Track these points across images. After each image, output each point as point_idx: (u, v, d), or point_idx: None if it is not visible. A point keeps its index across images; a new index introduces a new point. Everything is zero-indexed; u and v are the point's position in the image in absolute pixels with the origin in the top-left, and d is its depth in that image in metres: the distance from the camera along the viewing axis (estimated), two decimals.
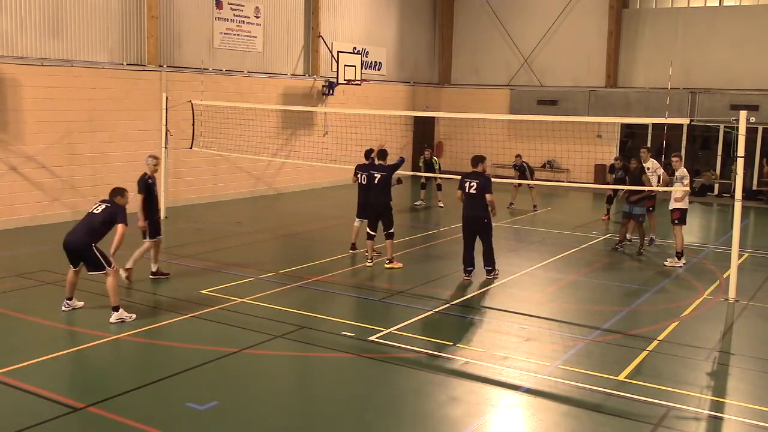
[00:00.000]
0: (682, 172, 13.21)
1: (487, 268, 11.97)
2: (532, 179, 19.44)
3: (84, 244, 9.27)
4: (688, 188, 13.13)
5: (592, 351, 8.78)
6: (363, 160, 13.84)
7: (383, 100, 25.24)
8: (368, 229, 12.80)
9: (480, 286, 11.65)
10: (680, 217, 13.26)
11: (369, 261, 12.73)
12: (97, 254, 9.29)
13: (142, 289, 10.85)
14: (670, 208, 13.40)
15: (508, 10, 27.04)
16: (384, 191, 12.64)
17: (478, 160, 11.94)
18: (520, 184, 18.82)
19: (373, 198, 12.71)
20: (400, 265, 12.57)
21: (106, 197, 9.74)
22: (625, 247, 14.51)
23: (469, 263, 11.92)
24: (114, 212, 9.40)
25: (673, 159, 13.37)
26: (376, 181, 12.60)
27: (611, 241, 15.26)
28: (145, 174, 11.27)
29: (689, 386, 7.70)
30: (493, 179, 12.07)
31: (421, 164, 20.22)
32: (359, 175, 13.13)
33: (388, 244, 12.61)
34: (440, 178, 19.44)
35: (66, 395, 7.11)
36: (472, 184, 11.70)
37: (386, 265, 12.54)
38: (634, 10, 25.40)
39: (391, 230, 12.60)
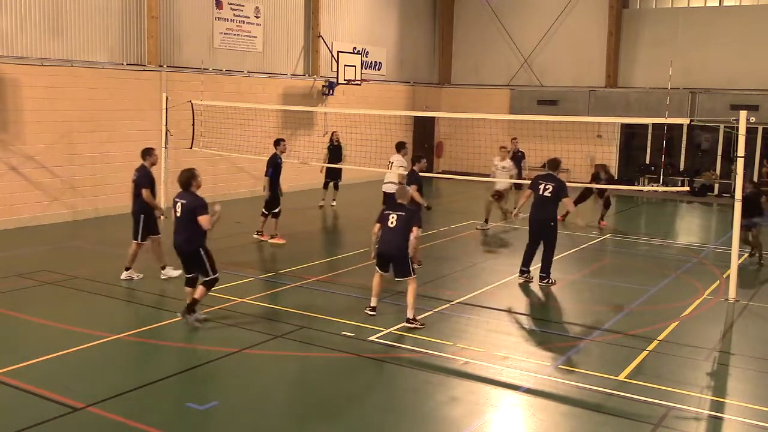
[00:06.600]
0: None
1: (542, 274, 11.83)
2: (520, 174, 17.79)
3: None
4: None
5: (592, 351, 8.78)
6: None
7: (383, 100, 25.23)
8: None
9: (480, 285, 11.65)
10: None
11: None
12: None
13: (143, 289, 10.85)
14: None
15: (508, 10, 27.03)
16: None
17: (557, 164, 11.90)
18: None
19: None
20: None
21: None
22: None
23: (526, 263, 11.89)
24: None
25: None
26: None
27: (611, 241, 15.24)
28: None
29: (689, 386, 7.70)
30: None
31: (327, 148, 18.97)
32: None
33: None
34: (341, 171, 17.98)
35: (66, 395, 7.10)
36: (547, 187, 11.60)
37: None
38: (634, 10, 25.39)
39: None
